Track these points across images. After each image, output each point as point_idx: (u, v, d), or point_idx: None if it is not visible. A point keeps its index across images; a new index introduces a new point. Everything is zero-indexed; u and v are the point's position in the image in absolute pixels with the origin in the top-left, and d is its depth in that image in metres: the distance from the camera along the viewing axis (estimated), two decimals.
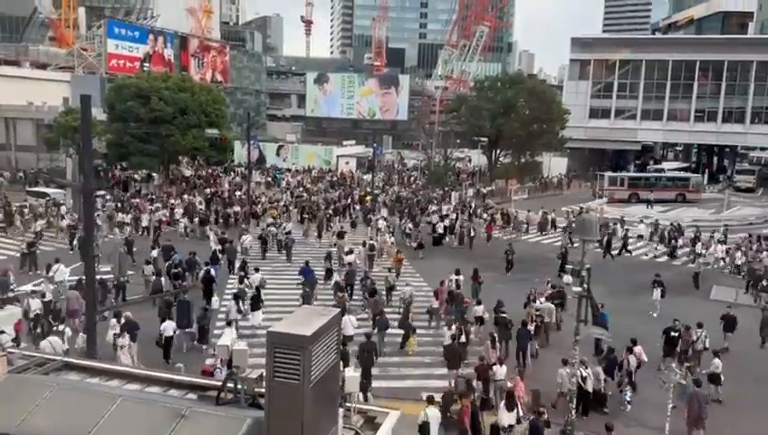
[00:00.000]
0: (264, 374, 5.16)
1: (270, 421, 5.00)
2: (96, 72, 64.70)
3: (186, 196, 41.09)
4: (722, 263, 29.64)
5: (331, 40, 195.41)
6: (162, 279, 20.98)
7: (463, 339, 16.92)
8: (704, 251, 30.21)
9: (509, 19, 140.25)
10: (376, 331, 17.31)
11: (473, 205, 42.69)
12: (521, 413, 12.35)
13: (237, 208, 36.49)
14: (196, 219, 33.41)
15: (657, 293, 22.34)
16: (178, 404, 5.60)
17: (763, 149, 70.50)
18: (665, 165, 65.36)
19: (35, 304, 17.77)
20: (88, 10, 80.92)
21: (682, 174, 56.86)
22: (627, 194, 49.77)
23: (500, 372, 14.46)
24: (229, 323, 17.53)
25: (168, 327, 16.64)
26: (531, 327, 17.47)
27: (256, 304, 19.21)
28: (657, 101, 65.95)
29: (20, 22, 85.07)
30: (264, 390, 5.23)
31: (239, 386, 5.85)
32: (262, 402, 5.46)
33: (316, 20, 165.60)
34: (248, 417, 5.25)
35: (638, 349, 15.79)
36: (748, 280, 26.03)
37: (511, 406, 12.24)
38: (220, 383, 6.12)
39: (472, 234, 32.93)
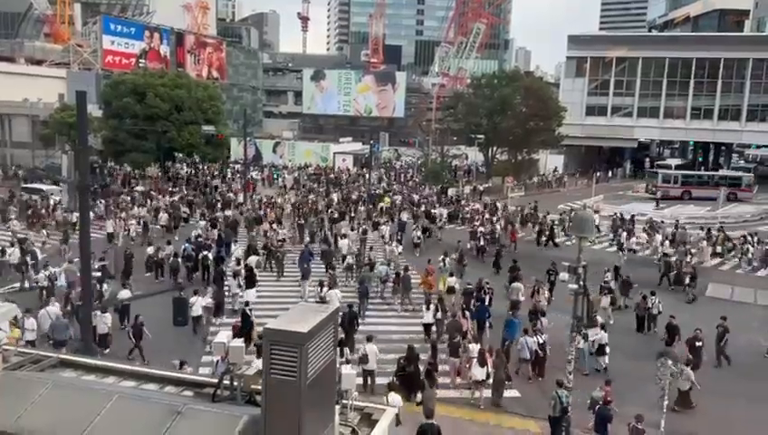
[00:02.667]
0: (261, 371, 5.15)
1: (267, 418, 4.98)
2: (92, 69, 64.49)
3: (166, 197, 38.64)
4: (658, 254, 28.98)
5: (328, 36, 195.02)
6: (179, 260, 23.57)
7: (439, 315, 18.45)
8: (626, 242, 30.37)
9: (506, 16, 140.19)
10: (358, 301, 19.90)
11: (498, 206, 39.11)
12: (490, 370, 14.85)
13: (229, 212, 33.16)
14: (203, 223, 31.30)
15: (605, 300, 20.27)
16: (175, 401, 5.58)
17: (759, 146, 70.61)
18: (669, 162, 65.32)
19: (30, 324, 15.65)
20: (83, 6, 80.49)
21: (734, 173, 57.25)
22: (679, 192, 50.31)
23: (474, 349, 15.61)
24: (247, 336, 16.85)
25: (125, 294, 18.35)
26: (487, 298, 19.51)
27: (251, 282, 21.11)
28: (653, 98, 65.95)
29: (15, 18, 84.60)
30: (260, 387, 5.22)
31: (236, 383, 5.83)
32: (258, 399, 5.45)
33: (313, 16, 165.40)
34: (245, 414, 5.24)
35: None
36: (663, 272, 25.59)
37: (482, 363, 14.83)
38: (216, 380, 6.11)
39: (481, 242, 29.19)
